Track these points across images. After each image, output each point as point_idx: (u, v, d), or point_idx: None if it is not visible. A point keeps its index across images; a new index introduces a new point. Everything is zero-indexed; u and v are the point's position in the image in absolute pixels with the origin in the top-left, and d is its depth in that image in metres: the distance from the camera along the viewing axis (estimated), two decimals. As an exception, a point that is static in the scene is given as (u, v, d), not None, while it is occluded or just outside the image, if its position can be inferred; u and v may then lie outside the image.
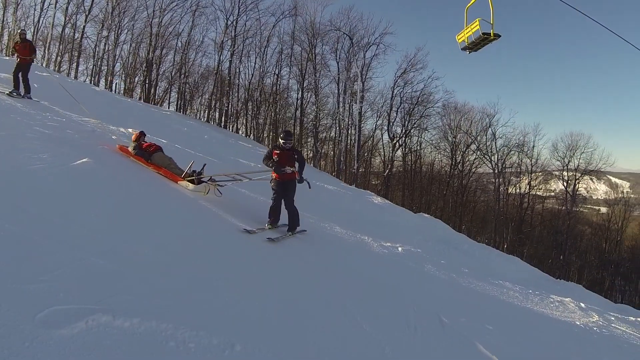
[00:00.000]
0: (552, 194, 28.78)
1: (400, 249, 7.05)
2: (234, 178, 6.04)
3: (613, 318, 7.93)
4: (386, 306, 4.23)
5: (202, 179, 5.65)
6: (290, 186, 5.24)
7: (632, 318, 8.85)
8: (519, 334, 5.00)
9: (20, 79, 7.86)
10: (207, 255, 3.72)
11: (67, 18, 26.59)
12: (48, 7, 26.67)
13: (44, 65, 25.00)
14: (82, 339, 1.96)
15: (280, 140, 5.28)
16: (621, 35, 5.49)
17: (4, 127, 4.97)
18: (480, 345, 3.98)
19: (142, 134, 6.43)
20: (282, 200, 5.29)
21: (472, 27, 5.92)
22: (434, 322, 4.23)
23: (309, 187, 5.25)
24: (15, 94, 7.65)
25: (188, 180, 5.60)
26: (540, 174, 27.33)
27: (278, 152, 5.19)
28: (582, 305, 7.86)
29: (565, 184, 27.14)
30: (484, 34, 5.72)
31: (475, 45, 6.01)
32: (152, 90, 26.77)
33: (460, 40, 6.48)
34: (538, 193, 27.74)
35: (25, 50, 8.02)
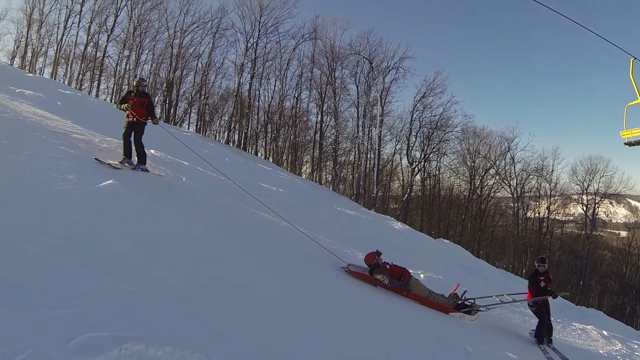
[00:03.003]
0: (572, 218, 28.53)
1: (422, 275, 6.98)
2: (501, 301, 6.19)
3: (636, 346, 7.92)
4: (410, 335, 4.20)
5: (473, 305, 5.73)
6: (548, 304, 5.98)
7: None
8: None
9: (133, 143, 6.17)
10: (240, 285, 3.61)
11: (90, 37, 27.14)
12: (71, 25, 27.19)
13: (66, 82, 25.54)
14: (116, 367, 1.92)
15: (538, 266, 6.02)
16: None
17: (29, 146, 4.87)
18: None
19: (378, 254, 5.72)
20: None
21: None
22: (459, 351, 4.22)
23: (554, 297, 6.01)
24: (127, 163, 6.06)
25: (464, 312, 5.62)
26: (559, 198, 27.15)
27: (542, 278, 5.90)
28: (605, 333, 7.85)
29: (584, 208, 26.92)
30: None
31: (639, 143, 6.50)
32: (172, 111, 27.13)
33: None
34: (557, 217, 27.52)
35: (142, 108, 6.15)
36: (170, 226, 4.36)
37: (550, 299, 5.86)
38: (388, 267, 5.64)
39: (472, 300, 5.76)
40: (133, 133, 6.15)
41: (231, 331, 2.72)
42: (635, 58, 6.20)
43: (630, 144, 6.82)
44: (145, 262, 3.24)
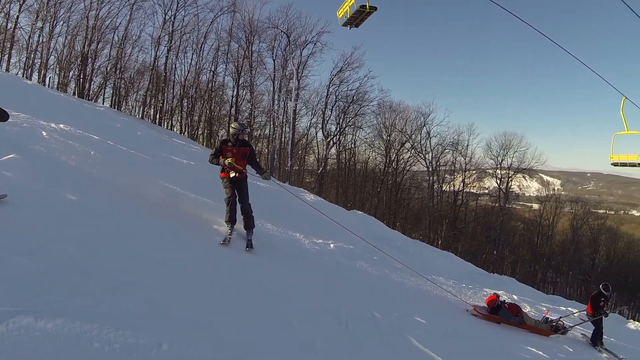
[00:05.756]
0: (486, 191, 29.81)
1: (332, 245, 7.03)
2: (581, 319, 7.49)
3: (544, 308, 8.49)
4: (317, 303, 4.17)
5: (564, 327, 6.84)
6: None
7: (562, 308, 9.63)
8: (451, 326, 5.21)
9: (239, 208, 5.16)
10: (134, 255, 3.57)
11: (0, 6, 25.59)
12: (-22, -7, 25.49)
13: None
14: (2, 342, 1.89)
15: (604, 290, 7.14)
16: (552, 38, 5.77)
17: None
18: (413, 338, 4.08)
19: (498, 297, 6.76)
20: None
21: (348, 1, 6.41)
22: (366, 317, 4.23)
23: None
24: (231, 230, 5.09)
25: (560, 333, 6.73)
26: (474, 172, 28.25)
27: (603, 299, 7.12)
28: (515, 297, 8.36)
29: (498, 181, 28.18)
30: (360, 7, 6.13)
31: (355, 19, 6.40)
32: (87, 86, 26.14)
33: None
34: (472, 190, 28.68)
35: (243, 160, 5.01)
36: (71, 198, 4.22)
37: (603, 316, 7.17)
38: (507, 306, 6.65)
39: (562, 322, 6.95)
40: (238, 196, 5.09)
41: (126, 300, 2.68)
42: (626, 97, 7.01)
43: (616, 164, 8.05)
44: (42, 235, 3.11)
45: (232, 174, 4.94)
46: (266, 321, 3.29)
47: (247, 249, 4.91)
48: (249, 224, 5.16)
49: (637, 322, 12.48)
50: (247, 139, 5.33)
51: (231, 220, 5.13)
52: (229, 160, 4.83)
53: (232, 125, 5.11)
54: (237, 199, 5.11)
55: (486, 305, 6.69)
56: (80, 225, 3.65)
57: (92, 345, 2.09)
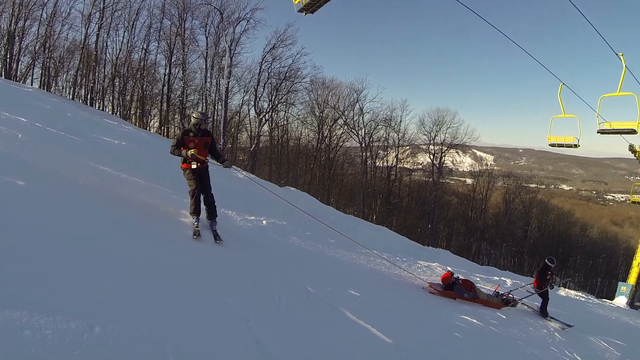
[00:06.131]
0: (420, 166, 31.02)
1: (264, 222, 7.03)
2: (528, 291, 7.83)
3: (478, 278, 9.12)
4: (249, 279, 4.14)
5: (514, 300, 7.37)
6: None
7: (496, 278, 10.44)
8: (385, 298, 5.27)
9: (202, 199, 5.11)
10: (64, 238, 3.43)
11: None
12: None
13: None
14: None
15: (550, 264, 7.63)
16: (490, 21, 6.04)
17: None
18: (347, 311, 4.09)
19: (452, 274, 7.05)
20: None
21: None
22: (300, 292, 4.20)
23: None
24: (196, 223, 4.95)
25: (510, 306, 7.22)
26: (407, 147, 29.34)
27: (550, 272, 7.53)
28: (449, 268, 8.71)
29: (432, 157, 29.37)
30: None
31: (312, 5, 6.42)
32: (14, 66, 25.55)
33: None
34: (406, 166, 29.81)
35: (205, 150, 5.02)
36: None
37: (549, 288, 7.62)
38: (461, 282, 6.95)
39: (511, 295, 7.44)
40: (201, 187, 5.06)
41: (55, 285, 2.65)
42: (564, 83, 7.40)
43: (553, 145, 8.75)
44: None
45: (194, 165, 4.91)
46: (199, 299, 3.29)
47: (217, 241, 4.93)
48: (213, 214, 5.19)
49: (567, 289, 13.78)
50: (209, 128, 5.21)
51: (196, 212, 5.04)
52: (192, 151, 4.81)
53: (194, 115, 5.02)
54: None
55: (441, 282, 6.91)
56: (5, 210, 3.53)
57: (23, 333, 2.06)
